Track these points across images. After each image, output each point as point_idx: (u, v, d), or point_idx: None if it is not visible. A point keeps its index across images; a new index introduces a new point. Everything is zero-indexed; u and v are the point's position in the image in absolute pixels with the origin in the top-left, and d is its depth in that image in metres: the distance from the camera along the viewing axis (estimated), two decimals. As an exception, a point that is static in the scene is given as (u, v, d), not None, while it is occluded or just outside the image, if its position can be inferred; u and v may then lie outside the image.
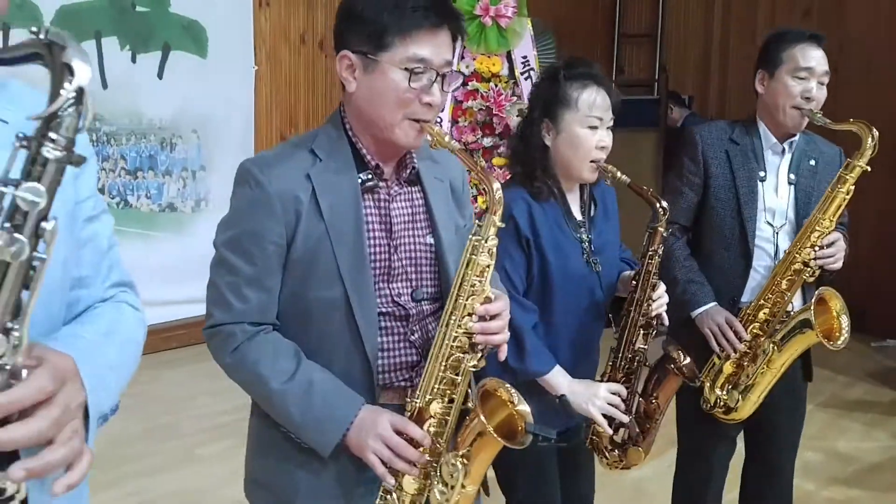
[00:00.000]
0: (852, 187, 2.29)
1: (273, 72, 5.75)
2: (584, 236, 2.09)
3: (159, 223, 5.25)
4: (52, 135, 0.74)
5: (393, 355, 1.58)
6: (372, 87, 1.49)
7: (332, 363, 1.53)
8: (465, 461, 1.49)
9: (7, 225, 0.74)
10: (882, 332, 5.85)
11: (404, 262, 1.59)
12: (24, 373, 0.80)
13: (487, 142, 5.15)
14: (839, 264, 2.36)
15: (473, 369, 1.52)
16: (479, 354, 1.52)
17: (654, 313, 2.04)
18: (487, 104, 5.08)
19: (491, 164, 5.22)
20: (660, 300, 2.05)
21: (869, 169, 2.28)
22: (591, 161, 2.00)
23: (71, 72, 0.74)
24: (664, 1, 7.60)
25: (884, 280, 5.95)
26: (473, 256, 1.50)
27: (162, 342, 5.00)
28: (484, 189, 1.51)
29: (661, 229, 2.02)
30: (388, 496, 1.52)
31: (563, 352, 2.05)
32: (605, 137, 2.00)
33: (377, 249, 1.56)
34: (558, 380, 1.99)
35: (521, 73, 5.39)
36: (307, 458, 1.54)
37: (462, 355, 1.50)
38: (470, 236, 1.52)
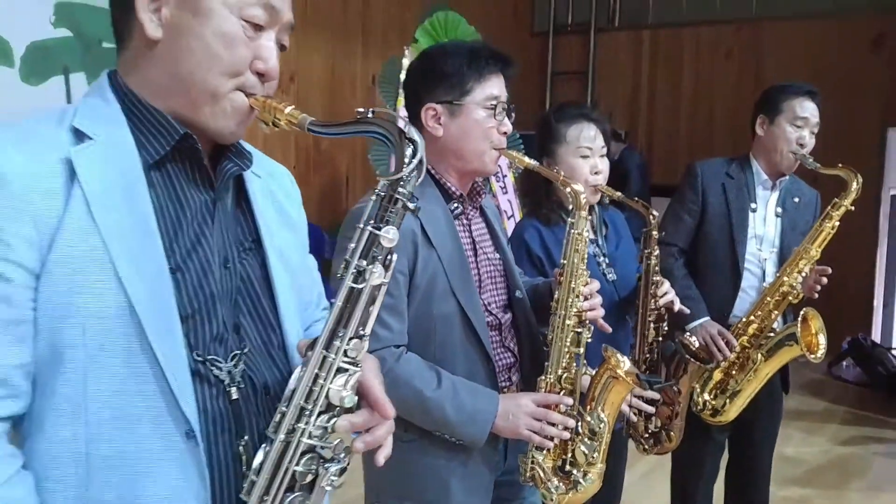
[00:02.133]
0: (837, 223, 2.64)
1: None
2: (598, 251, 2.35)
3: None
4: (400, 190, 0.97)
5: (496, 360, 1.82)
6: (461, 126, 1.78)
7: (456, 370, 1.74)
8: (606, 412, 1.80)
9: (379, 258, 0.97)
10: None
11: (486, 275, 1.86)
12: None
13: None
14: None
15: (589, 340, 1.82)
16: (589, 328, 1.81)
17: (661, 303, 2.25)
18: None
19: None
20: (666, 295, 2.27)
21: (853, 209, 2.63)
22: (591, 186, 2.25)
23: (414, 145, 0.97)
24: (595, 40, 8.08)
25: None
26: (576, 247, 1.79)
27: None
28: (569, 192, 1.82)
29: (654, 232, 2.29)
30: (533, 463, 1.78)
31: (592, 354, 2.29)
32: (598, 163, 2.28)
33: (470, 266, 1.81)
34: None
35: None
36: (437, 458, 1.76)
37: (579, 331, 1.79)
38: (570, 231, 1.81)
